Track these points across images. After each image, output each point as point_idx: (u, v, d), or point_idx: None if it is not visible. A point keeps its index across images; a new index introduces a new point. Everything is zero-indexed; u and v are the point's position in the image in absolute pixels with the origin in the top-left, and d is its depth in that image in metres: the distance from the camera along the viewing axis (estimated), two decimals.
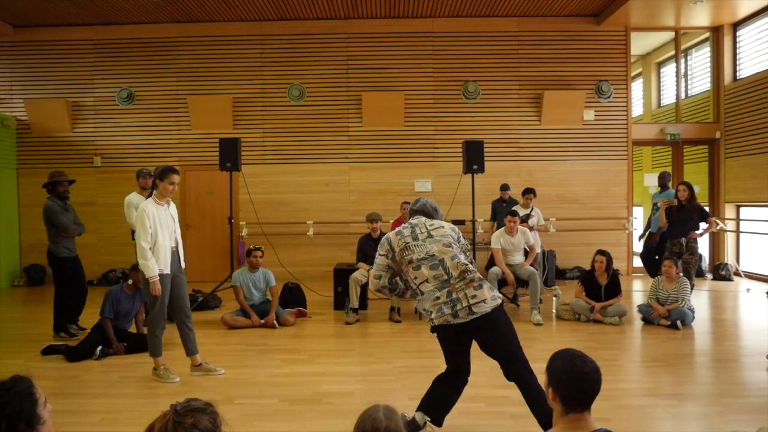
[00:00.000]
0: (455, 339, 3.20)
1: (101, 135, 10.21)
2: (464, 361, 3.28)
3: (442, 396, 3.27)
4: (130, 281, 5.41)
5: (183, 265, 4.68)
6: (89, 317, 6.19)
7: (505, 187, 8.60)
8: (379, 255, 3.39)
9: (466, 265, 3.24)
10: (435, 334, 3.26)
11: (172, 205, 4.62)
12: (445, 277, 3.18)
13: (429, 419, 3.22)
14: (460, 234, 3.47)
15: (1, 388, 1.64)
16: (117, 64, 10.20)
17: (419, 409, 3.24)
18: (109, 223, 9.81)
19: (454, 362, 3.28)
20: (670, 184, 8.55)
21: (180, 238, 4.64)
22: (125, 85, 10.16)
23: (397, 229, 3.43)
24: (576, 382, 1.88)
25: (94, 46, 10.21)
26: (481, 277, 3.24)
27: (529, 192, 8.18)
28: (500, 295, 3.38)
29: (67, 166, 9.57)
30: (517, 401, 3.87)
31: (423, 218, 3.44)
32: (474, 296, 3.12)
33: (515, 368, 3.16)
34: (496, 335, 3.15)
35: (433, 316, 3.17)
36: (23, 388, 1.66)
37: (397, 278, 3.41)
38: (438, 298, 3.15)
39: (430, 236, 3.29)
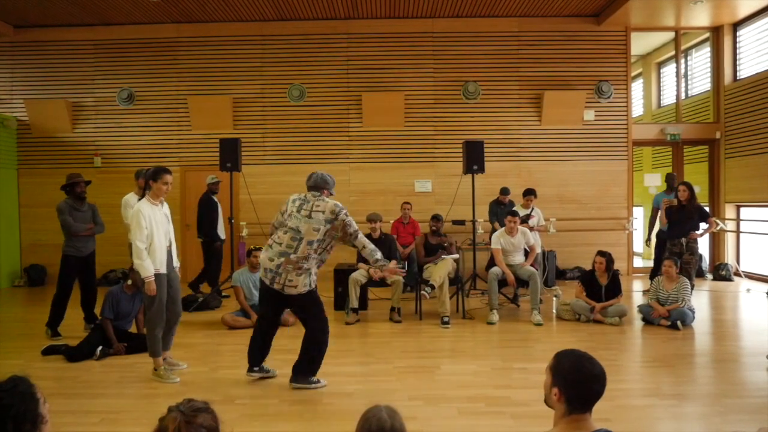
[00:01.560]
0: (266, 293, 4.24)
1: (102, 135, 10.21)
2: (273, 314, 4.36)
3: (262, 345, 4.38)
4: (129, 282, 5.41)
5: (177, 264, 4.73)
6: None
7: (505, 191, 8.60)
8: (279, 212, 4.25)
9: (309, 255, 4.04)
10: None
11: (165, 205, 4.65)
12: (291, 251, 4.03)
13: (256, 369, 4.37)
14: (346, 220, 4.11)
15: (2, 389, 1.63)
16: (117, 64, 10.20)
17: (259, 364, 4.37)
18: (109, 223, 9.60)
19: (265, 313, 4.36)
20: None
21: (173, 237, 4.68)
22: (126, 86, 10.16)
23: (295, 196, 4.23)
24: (586, 383, 1.87)
25: (95, 47, 10.21)
26: (309, 268, 4.08)
27: (530, 193, 8.18)
28: (313, 283, 4.22)
29: (67, 167, 9.57)
30: (517, 401, 3.89)
31: (312, 197, 4.17)
32: (291, 281, 4.05)
33: (311, 327, 4.24)
34: (302, 308, 4.25)
35: (261, 267, 4.16)
36: (24, 388, 1.66)
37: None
38: (272, 260, 4.08)
39: (309, 216, 4.08)
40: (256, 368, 4.37)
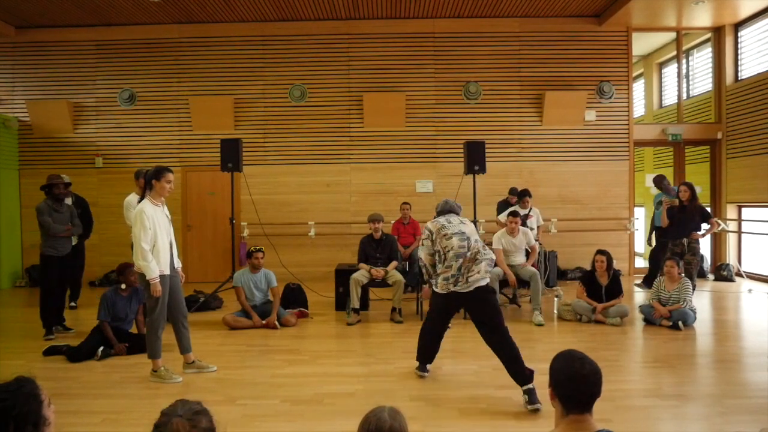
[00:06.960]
0: (445, 302, 4.28)
1: (103, 136, 10.22)
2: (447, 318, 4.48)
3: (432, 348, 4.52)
4: (123, 286, 5.40)
5: (179, 264, 4.70)
6: (89, 318, 6.21)
7: (513, 191, 8.62)
8: (423, 240, 4.37)
9: (479, 249, 4.18)
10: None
11: (166, 206, 4.64)
12: (464, 251, 4.14)
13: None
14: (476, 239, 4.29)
15: (7, 389, 1.62)
16: (118, 64, 10.21)
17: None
18: (110, 223, 9.81)
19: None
20: (668, 184, 8.53)
21: (173, 237, 4.66)
22: (127, 86, 10.18)
23: (433, 222, 4.38)
24: (572, 383, 1.89)
25: (96, 47, 10.22)
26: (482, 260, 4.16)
27: (525, 194, 8.14)
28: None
29: (68, 167, 9.62)
30: (518, 402, 3.88)
31: (455, 217, 4.41)
32: (473, 272, 4.09)
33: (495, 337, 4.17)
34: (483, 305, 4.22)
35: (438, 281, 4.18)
36: (29, 389, 1.65)
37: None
38: (450, 267, 4.12)
39: (462, 223, 4.34)
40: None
